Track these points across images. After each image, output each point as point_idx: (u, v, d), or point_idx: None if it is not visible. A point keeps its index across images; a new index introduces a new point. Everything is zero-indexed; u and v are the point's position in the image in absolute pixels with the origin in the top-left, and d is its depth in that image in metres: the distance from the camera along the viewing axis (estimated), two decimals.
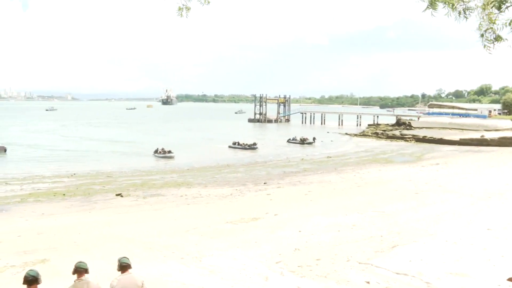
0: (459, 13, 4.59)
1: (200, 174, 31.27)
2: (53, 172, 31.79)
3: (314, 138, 57.02)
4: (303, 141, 55.91)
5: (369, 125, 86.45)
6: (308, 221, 15.54)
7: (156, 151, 42.26)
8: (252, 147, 48.71)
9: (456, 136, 58.15)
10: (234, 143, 50.55)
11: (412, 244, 12.39)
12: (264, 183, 26.98)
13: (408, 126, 74.51)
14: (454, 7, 4.56)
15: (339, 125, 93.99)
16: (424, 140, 56.94)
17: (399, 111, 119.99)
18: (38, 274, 5.46)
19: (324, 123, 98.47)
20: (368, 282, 9.69)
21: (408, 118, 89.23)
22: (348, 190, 23.55)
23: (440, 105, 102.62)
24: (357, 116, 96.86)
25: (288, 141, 57.56)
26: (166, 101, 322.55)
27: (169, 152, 41.59)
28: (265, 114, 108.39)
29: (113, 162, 37.58)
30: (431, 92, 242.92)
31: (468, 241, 12.58)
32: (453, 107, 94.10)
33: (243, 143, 49.90)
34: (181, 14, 5.35)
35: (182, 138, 62.44)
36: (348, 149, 50.32)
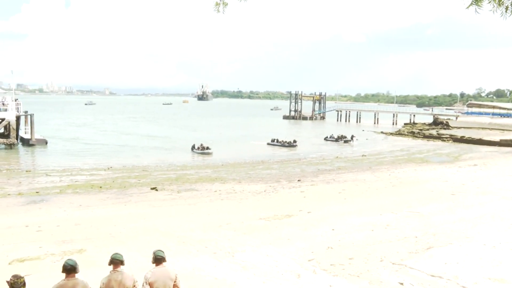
0: (506, 8, 4.39)
1: (234, 170, 31.42)
2: (90, 165, 32.73)
3: (352, 136, 56.16)
4: (340, 139, 55.26)
5: (405, 124, 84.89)
6: (342, 220, 15.37)
7: (193, 147, 42.51)
8: (292, 144, 48.37)
9: (496, 137, 56.30)
10: (273, 140, 50.36)
11: (448, 247, 12.03)
12: (298, 180, 26.86)
13: (446, 125, 72.70)
14: (500, 2, 4.36)
15: (374, 123, 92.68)
16: (462, 140, 55.40)
17: (436, 110, 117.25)
18: (76, 263, 5.59)
19: (360, 121, 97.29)
20: (401, 284, 9.48)
21: (445, 117, 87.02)
22: (382, 189, 23.16)
23: (480, 104, 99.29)
24: (393, 114, 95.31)
25: (326, 139, 56.96)
26: (201, 97, 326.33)
27: (207, 148, 41.74)
28: (300, 111, 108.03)
29: (149, 157, 38.30)
30: (471, 91, 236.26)
31: (508, 246, 12.12)
32: (493, 107, 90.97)
33: (282, 140, 49.68)
34: (218, 10, 5.35)
35: (218, 134, 63.00)
36: (383, 148, 49.55)
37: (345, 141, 54.62)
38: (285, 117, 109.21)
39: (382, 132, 70.27)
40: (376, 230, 13.83)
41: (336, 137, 56.31)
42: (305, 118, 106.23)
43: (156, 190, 23.44)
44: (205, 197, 21.58)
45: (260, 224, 15.09)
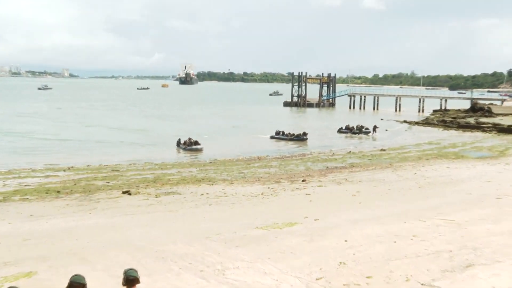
0: None
1: (225, 169, 31.39)
2: (45, 164, 32.37)
3: (374, 127, 55.94)
4: (359, 131, 55.17)
5: (434, 111, 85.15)
6: (356, 229, 15.30)
7: (179, 142, 42.52)
8: (301, 138, 48.43)
9: None
10: (278, 133, 50.52)
11: (495, 265, 11.71)
12: (303, 181, 26.83)
13: (487, 112, 72.57)
14: None
15: (396, 110, 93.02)
16: (509, 130, 55.00)
17: (475, 93, 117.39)
18: None
19: (377, 108, 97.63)
20: None
21: (487, 102, 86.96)
22: (406, 191, 23.13)
23: None
24: (419, 99, 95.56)
25: (340, 131, 56.94)
26: (184, 80, 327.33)
27: (196, 143, 41.71)
28: (305, 97, 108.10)
29: (121, 154, 38.23)
30: None
31: None
32: None
33: (289, 133, 49.84)
34: None
35: (208, 125, 63.07)
36: (407, 140, 49.68)
37: (365, 133, 54.59)
38: (286, 104, 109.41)
39: (405, 121, 70.46)
40: (400, 242, 13.76)
41: (353, 127, 56.20)
42: (310, 105, 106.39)
43: (129, 194, 23.34)
44: (190, 202, 21.52)
45: (256, 234, 15.02)
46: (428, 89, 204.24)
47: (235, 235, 14.93)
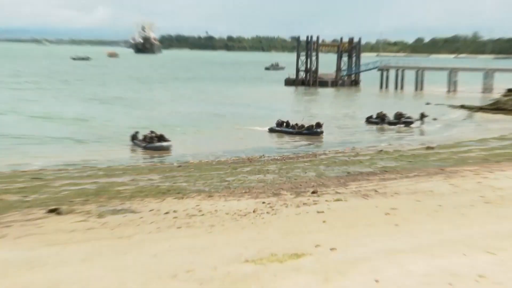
0: None
1: (201, 175, 31.30)
2: None
3: (422, 115, 56.05)
4: (397, 120, 55.21)
5: (508, 90, 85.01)
6: (392, 263, 15.18)
7: (135, 137, 42.17)
8: (313, 131, 48.65)
9: None
10: (280, 124, 50.77)
11: None
12: (313, 192, 26.72)
13: None
14: None
15: (449, 90, 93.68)
16: None
17: None
18: None
19: (422, 88, 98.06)
20: None
21: None
22: (466, 209, 23.01)
23: None
24: (485, 74, 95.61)
25: (368, 120, 57.05)
26: (142, 47, 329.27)
27: (161, 138, 41.31)
28: (316, 72, 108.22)
29: (46, 154, 38.19)
30: None
31: None
32: None
33: (296, 125, 49.96)
34: None
35: (176, 114, 63.77)
36: (466, 134, 49.91)
37: (406, 123, 54.65)
38: (289, 83, 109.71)
39: (463, 107, 70.64)
40: (459, 284, 13.58)
41: (385, 115, 56.27)
42: (324, 84, 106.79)
43: (59, 213, 23.07)
44: (149, 225, 21.31)
45: (246, 271, 14.87)
46: (499, 58, 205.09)
47: (214, 272, 14.78)
